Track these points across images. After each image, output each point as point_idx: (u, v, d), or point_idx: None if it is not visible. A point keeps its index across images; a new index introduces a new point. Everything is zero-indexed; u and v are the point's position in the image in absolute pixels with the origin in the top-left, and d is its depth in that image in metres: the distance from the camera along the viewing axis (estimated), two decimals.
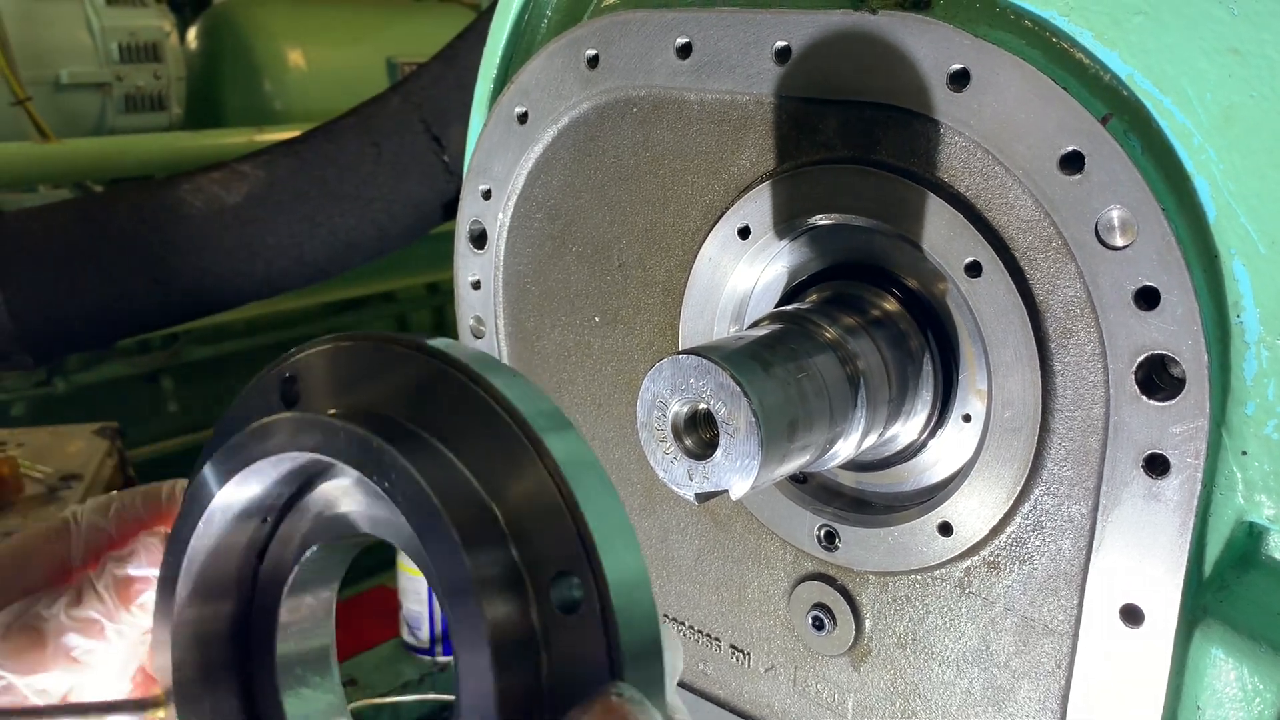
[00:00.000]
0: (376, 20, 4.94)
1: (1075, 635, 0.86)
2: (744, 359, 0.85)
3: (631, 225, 1.11)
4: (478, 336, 1.31)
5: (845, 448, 0.94)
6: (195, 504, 0.62)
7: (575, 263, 1.17)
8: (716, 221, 1.02)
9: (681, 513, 1.15)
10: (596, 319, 1.17)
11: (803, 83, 0.93)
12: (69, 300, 2.21)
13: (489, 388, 0.54)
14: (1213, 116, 0.75)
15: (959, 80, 0.83)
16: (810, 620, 1.05)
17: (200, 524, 0.62)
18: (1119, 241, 0.77)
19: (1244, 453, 0.77)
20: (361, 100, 2.44)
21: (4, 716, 0.64)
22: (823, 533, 1.02)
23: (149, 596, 0.67)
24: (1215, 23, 0.74)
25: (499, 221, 1.22)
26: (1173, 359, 0.76)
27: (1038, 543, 0.88)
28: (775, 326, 0.94)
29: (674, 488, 0.91)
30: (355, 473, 0.55)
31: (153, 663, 0.64)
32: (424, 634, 2.12)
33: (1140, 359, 0.78)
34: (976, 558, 0.92)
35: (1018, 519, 0.89)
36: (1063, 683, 0.88)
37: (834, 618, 1.03)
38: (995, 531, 0.90)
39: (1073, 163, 0.78)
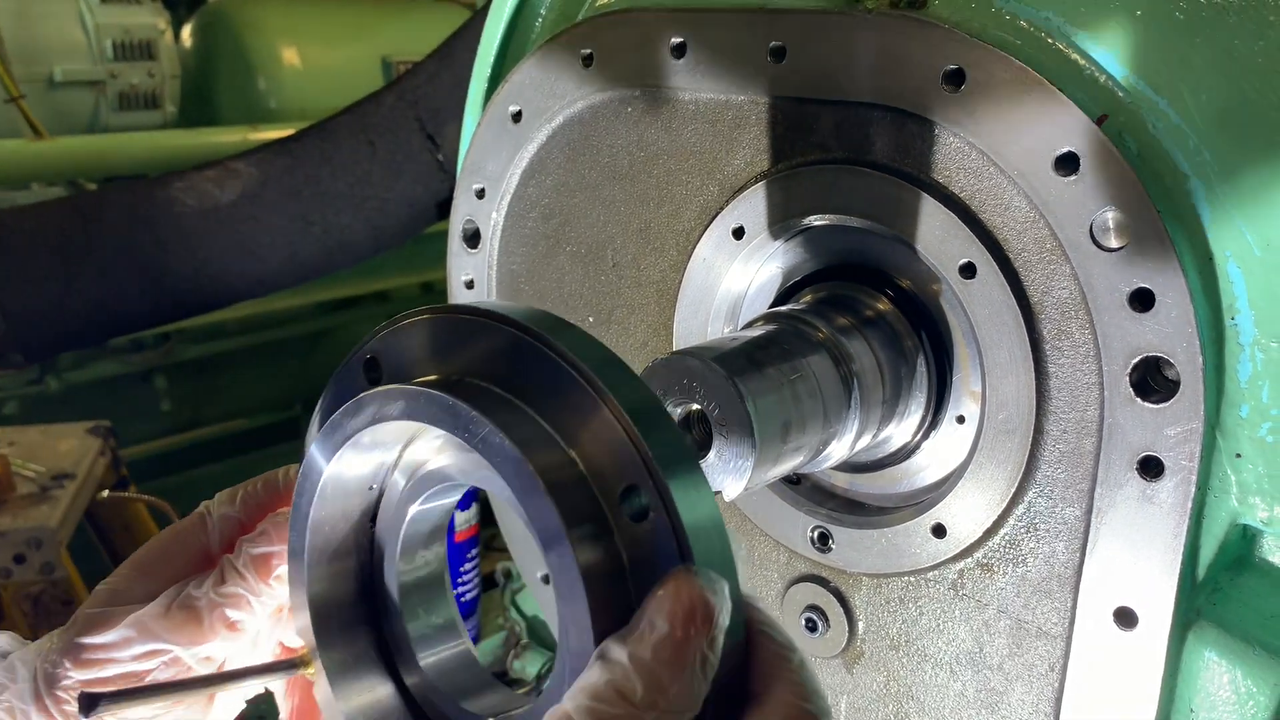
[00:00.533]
0: (372, 19, 4.93)
1: (1069, 638, 0.86)
2: (738, 360, 0.85)
3: (626, 225, 1.11)
4: None
5: (839, 449, 0.94)
6: (309, 482, 0.71)
7: (569, 262, 1.17)
8: (711, 222, 1.01)
9: None
10: (590, 319, 1.16)
11: (797, 82, 0.93)
12: (62, 298, 2.20)
13: (546, 341, 0.62)
14: (1208, 118, 0.75)
15: (954, 80, 0.83)
16: (803, 622, 1.04)
17: (316, 499, 0.71)
18: (1114, 243, 0.77)
19: (1238, 455, 0.77)
20: (356, 99, 2.44)
21: (182, 689, 0.72)
22: (816, 534, 1.01)
23: (283, 569, 0.75)
24: (1211, 25, 0.74)
25: (493, 221, 1.22)
26: (1167, 361, 0.76)
27: (1031, 545, 0.88)
28: (769, 327, 0.94)
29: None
30: (444, 432, 0.64)
31: (294, 625, 0.73)
32: None
33: (1135, 361, 0.78)
34: (970, 560, 0.92)
35: (1011, 521, 0.89)
36: (1056, 685, 0.88)
37: (827, 619, 1.03)
38: (989, 533, 0.90)
39: (1068, 164, 0.78)
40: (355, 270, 2.63)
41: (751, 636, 0.60)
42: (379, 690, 0.75)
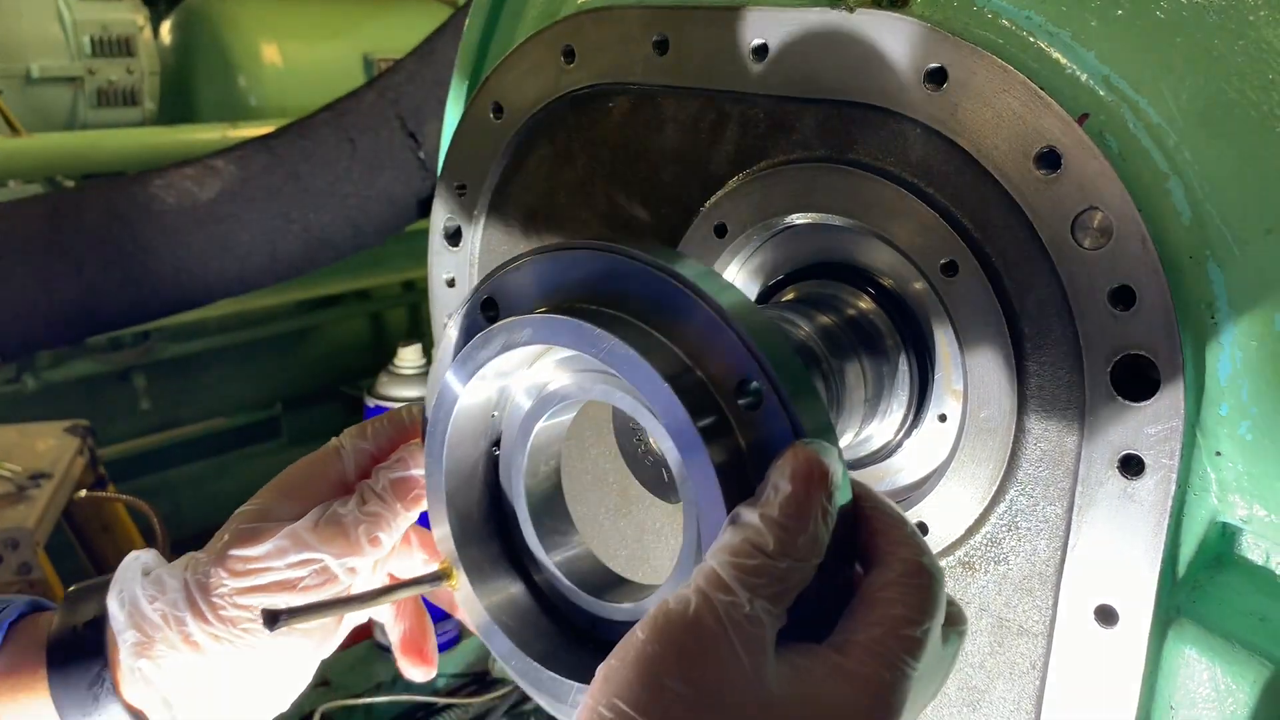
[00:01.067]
0: (353, 16, 4.91)
1: (1050, 635, 0.86)
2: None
3: (608, 222, 1.11)
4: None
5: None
6: (443, 410, 0.80)
7: None
8: (692, 219, 1.01)
9: (657, 513, 1.15)
10: None
11: (780, 81, 0.93)
12: (39, 296, 2.18)
13: (647, 260, 0.70)
14: (1189, 117, 0.75)
15: (936, 79, 0.83)
16: None
17: (451, 424, 0.79)
18: (1094, 241, 0.77)
19: (1218, 453, 0.78)
20: (337, 96, 2.43)
21: (347, 604, 0.81)
22: None
23: (418, 491, 0.85)
24: (1192, 24, 0.75)
25: (474, 218, 1.21)
26: (1148, 359, 0.76)
27: (1013, 543, 0.88)
28: None
29: (649, 489, 0.90)
30: (565, 351, 0.76)
31: (436, 538, 0.82)
32: None
33: (1116, 359, 0.78)
34: (951, 558, 0.92)
35: (993, 519, 0.89)
36: (1037, 683, 0.88)
37: None
38: (970, 532, 0.90)
39: (1049, 162, 0.78)
40: (336, 269, 2.62)
41: (864, 511, 0.68)
42: (512, 589, 0.83)
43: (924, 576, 0.65)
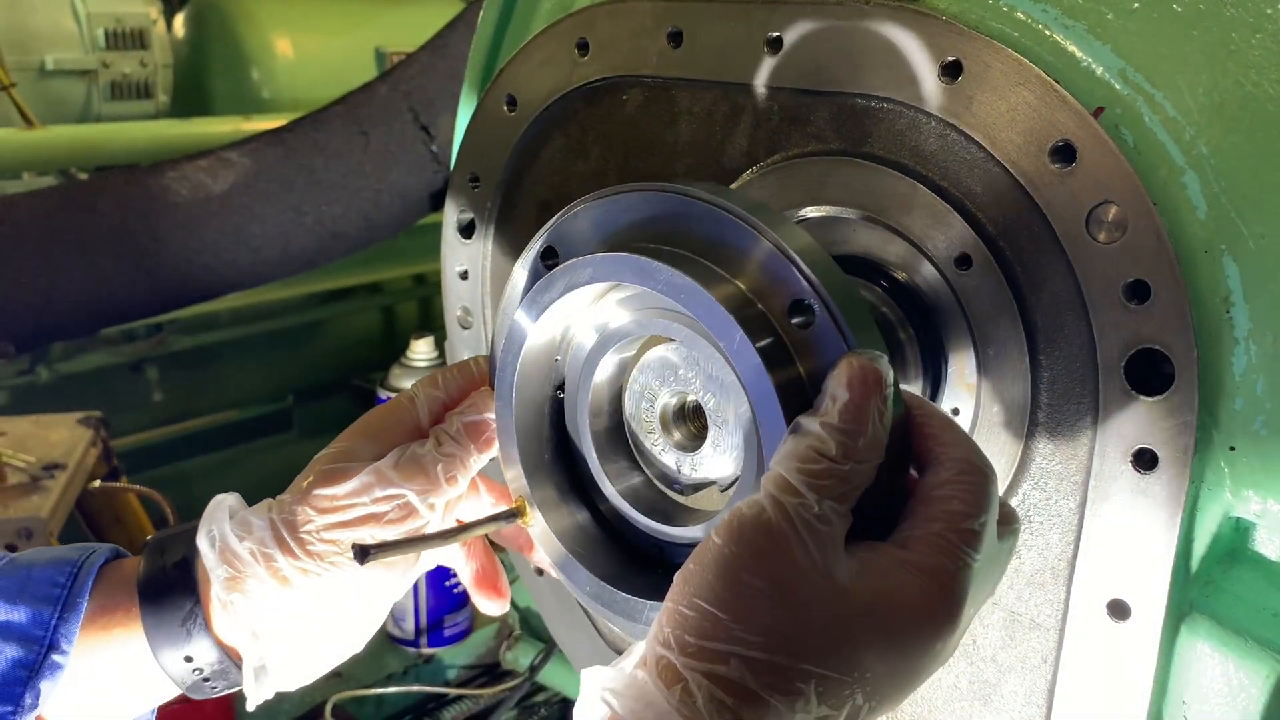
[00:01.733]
0: (365, 9, 4.91)
1: (1062, 629, 0.86)
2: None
3: None
4: (465, 327, 1.30)
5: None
6: (511, 353, 0.85)
7: None
8: None
9: None
10: None
11: (794, 73, 0.93)
12: (53, 288, 2.19)
13: (697, 195, 0.75)
14: (1205, 111, 0.75)
15: (951, 72, 0.82)
16: None
17: (519, 366, 0.85)
18: (1109, 235, 0.77)
19: (1232, 448, 0.77)
20: (349, 90, 2.43)
21: (430, 540, 0.87)
22: None
23: (489, 435, 0.90)
24: (1209, 18, 0.74)
25: (487, 210, 1.22)
26: (1162, 354, 0.76)
27: (1025, 537, 0.88)
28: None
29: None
30: (625, 291, 0.81)
31: (507, 476, 0.88)
32: (409, 626, 2.11)
33: (1130, 353, 0.78)
34: None
35: None
36: (1049, 677, 0.88)
37: None
38: None
39: (1064, 155, 0.78)
40: (348, 262, 2.62)
41: (915, 417, 0.72)
42: (579, 517, 0.89)
43: (977, 474, 0.69)
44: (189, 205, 2.25)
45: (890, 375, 0.69)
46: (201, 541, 0.86)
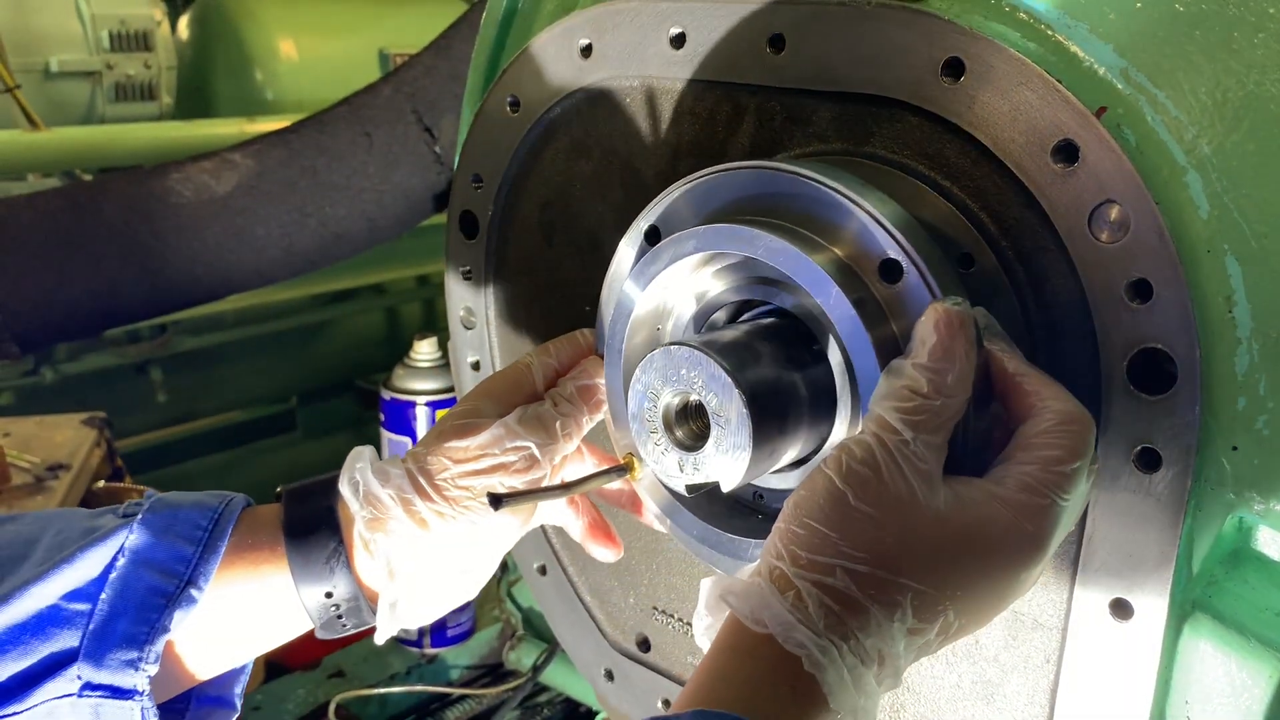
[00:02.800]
0: (369, 11, 4.91)
1: (1064, 629, 0.86)
2: (736, 350, 0.85)
3: (623, 215, 1.11)
4: (468, 326, 1.30)
5: (836, 440, 0.93)
6: (620, 321, 0.95)
7: (566, 252, 1.17)
8: None
9: None
10: (587, 309, 1.16)
11: (796, 74, 0.93)
12: (57, 289, 2.19)
13: (788, 170, 0.83)
14: (1207, 110, 0.75)
15: (953, 71, 0.83)
16: None
17: (627, 333, 0.94)
18: (1111, 235, 0.77)
19: (1234, 448, 0.77)
20: (353, 91, 2.43)
21: (553, 491, 0.96)
22: None
23: (599, 399, 1.00)
24: (1211, 17, 0.74)
25: (490, 211, 1.22)
26: (1165, 353, 0.76)
27: None
28: (768, 319, 0.94)
29: (664, 479, 0.90)
30: (722, 261, 0.91)
31: (616, 434, 0.98)
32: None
33: (1132, 353, 0.78)
34: None
35: None
36: (1052, 676, 0.88)
37: None
38: None
39: (1066, 155, 0.78)
40: (351, 263, 2.62)
41: (1010, 372, 0.77)
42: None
43: (1078, 423, 0.75)
44: (193, 206, 2.25)
45: (970, 318, 0.76)
46: (344, 487, 0.94)
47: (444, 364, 2.08)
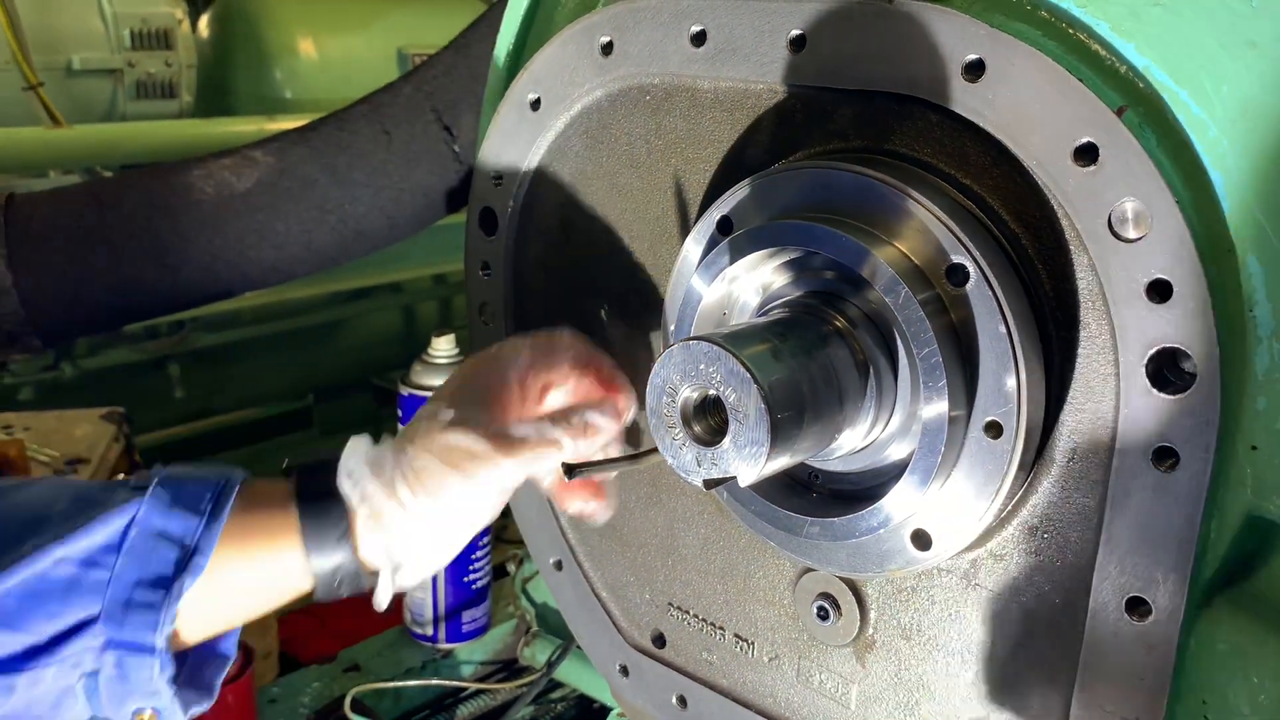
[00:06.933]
0: (388, 10, 4.93)
1: (1081, 627, 0.86)
2: (754, 345, 0.85)
3: (643, 213, 1.11)
4: (487, 322, 1.31)
5: (852, 438, 0.94)
6: (688, 311, 0.99)
7: (585, 249, 1.17)
8: None
9: (688, 501, 1.16)
10: (606, 305, 1.17)
11: (817, 71, 0.93)
12: (79, 284, 2.21)
13: (860, 171, 0.86)
14: (1229, 109, 0.75)
15: (974, 70, 0.83)
16: (815, 610, 1.05)
17: (695, 322, 0.98)
18: (1132, 234, 0.77)
19: (1254, 448, 0.77)
20: (372, 90, 2.44)
21: (618, 463, 1.04)
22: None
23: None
24: (1233, 15, 0.74)
25: (510, 208, 1.22)
26: (1184, 353, 0.76)
27: (1045, 534, 0.88)
28: (786, 314, 0.94)
29: (682, 474, 0.91)
30: (786, 256, 0.95)
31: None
32: (427, 620, 2.12)
33: (1151, 352, 0.78)
34: (983, 549, 0.92)
35: (1025, 511, 0.89)
36: (1068, 675, 0.88)
37: (839, 608, 1.03)
38: (1003, 523, 0.90)
39: (1087, 154, 0.78)
40: (369, 261, 2.62)
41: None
42: None
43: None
44: (213, 203, 2.25)
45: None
46: (343, 484, 0.99)
47: (462, 360, 2.09)
